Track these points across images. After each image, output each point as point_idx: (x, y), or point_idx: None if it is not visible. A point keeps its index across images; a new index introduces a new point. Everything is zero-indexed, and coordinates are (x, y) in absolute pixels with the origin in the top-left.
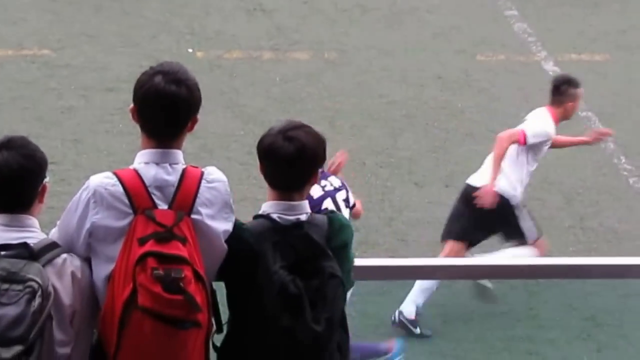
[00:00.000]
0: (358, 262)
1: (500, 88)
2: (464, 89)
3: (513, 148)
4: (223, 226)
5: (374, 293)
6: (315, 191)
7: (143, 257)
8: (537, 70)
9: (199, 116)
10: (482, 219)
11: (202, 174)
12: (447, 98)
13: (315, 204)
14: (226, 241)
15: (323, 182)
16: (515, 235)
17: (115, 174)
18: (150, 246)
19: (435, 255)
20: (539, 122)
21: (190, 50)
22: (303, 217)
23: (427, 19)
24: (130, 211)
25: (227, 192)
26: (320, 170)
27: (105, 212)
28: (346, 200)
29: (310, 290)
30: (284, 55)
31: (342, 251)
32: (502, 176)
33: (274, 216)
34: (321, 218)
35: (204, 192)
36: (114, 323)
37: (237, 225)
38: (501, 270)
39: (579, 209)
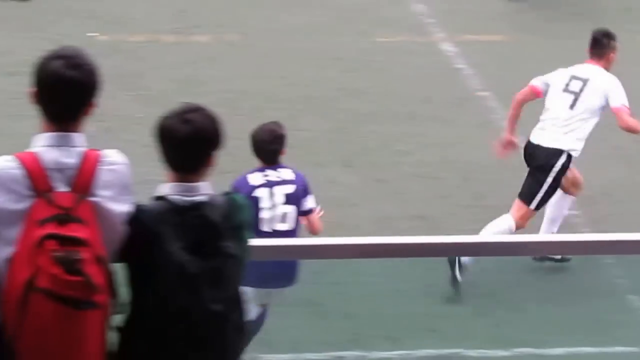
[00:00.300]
0: (258, 242)
1: (399, 68)
2: (363, 70)
3: (587, 124)
4: (122, 208)
5: None
6: (255, 179)
7: (43, 240)
8: (435, 50)
9: (102, 99)
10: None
11: (102, 156)
12: (347, 79)
13: (248, 190)
14: (126, 223)
15: (268, 172)
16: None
17: (15, 157)
18: (49, 228)
19: (333, 235)
20: (615, 81)
21: (92, 34)
22: (201, 198)
23: (328, 1)
24: (30, 194)
25: (127, 174)
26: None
27: (6, 195)
28: (292, 196)
29: (209, 270)
30: (185, 38)
31: (240, 231)
32: (577, 140)
33: (172, 197)
34: (220, 199)
35: (103, 175)
36: (14, 305)
37: (136, 207)
38: (397, 248)
39: (477, 187)
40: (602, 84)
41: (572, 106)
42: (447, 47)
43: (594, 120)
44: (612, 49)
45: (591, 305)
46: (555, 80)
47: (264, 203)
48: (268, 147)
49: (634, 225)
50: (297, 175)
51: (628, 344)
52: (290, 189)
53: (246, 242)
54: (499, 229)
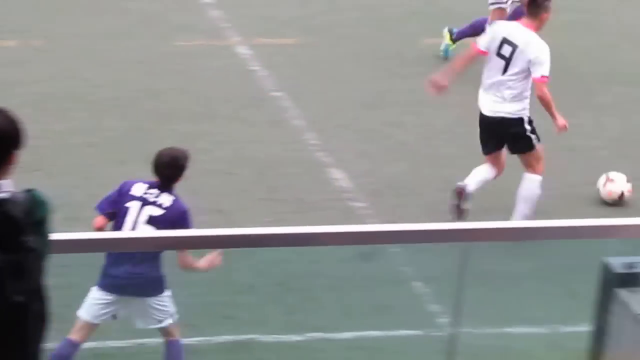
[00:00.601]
0: (65, 236)
1: (198, 70)
2: (163, 72)
3: (521, 83)
4: None
5: (77, 265)
6: (137, 189)
7: None
8: (231, 53)
9: None
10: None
11: None
12: (148, 81)
13: (124, 195)
14: None
15: (153, 190)
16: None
17: None
18: None
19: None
20: (543, 51)
21: None
22: (3, 195)
23: (129, 7)
24: None
25: None
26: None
27: None
28: (155, 220)
29: (11, 263)
30: None
31: (41, 226)
32: (516, 104)
33: None
34: (21, 195)
35: None
36: None
37: None
38: (196, 241)
39: (271, 181)
40: (530, 54)
41: (504, 71)
42: (243, 50)
43: (528, 79)
44: (545, 9)
45: (379, 292)
46: (491, 43)
47: (129, 216)
48: (163, 170)
49: (417, 216)
50: (174, 205)
51: (412, 327)
52: (158, 212)
53: (47, 236)
54: (534, 192)
